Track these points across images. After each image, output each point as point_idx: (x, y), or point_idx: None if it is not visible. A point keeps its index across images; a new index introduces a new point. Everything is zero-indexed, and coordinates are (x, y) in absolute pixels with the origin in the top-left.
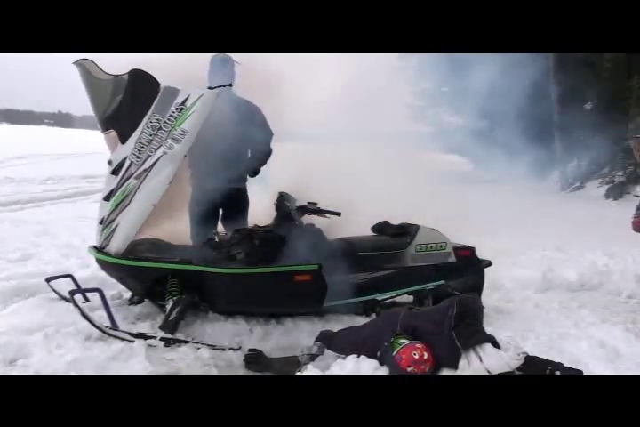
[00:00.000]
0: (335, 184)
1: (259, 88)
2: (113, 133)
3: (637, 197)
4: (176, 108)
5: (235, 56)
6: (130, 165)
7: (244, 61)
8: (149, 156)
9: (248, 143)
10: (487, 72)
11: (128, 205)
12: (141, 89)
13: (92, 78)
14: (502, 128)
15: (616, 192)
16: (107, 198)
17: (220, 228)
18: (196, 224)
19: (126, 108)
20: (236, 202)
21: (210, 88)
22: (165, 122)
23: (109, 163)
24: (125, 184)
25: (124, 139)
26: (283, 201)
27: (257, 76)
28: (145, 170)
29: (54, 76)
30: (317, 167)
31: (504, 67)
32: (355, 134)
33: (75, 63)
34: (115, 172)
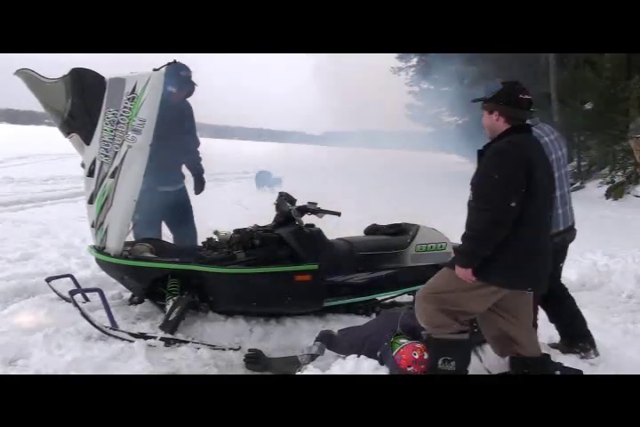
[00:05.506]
0: (335, 184)
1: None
2: (76, 136)
3: (637, 197)
4: (128, 99)
5: (237, 56)
6: (102, 165)
7: (245, 62)
8: (116, 152)
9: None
10: (487, 72)
11: (111, 205)
12: (87, 86)
13: (38, 85)
14: None
15: (616, 192)
16: (90, 201)
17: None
18: (138, 227)
19: (79, 109)
20: (177, 204)
21: (155, 70)
22: (121, 115)
23: (82, 166)
24: (103, 185)
25: (87, 140)
26: (283, 201)
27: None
28: (116, 168)
29: (54, 76)
30: (317, 167)
31: (504, 66)
32: (355, 135)
33: (16, 74)
34: (90, 173)
